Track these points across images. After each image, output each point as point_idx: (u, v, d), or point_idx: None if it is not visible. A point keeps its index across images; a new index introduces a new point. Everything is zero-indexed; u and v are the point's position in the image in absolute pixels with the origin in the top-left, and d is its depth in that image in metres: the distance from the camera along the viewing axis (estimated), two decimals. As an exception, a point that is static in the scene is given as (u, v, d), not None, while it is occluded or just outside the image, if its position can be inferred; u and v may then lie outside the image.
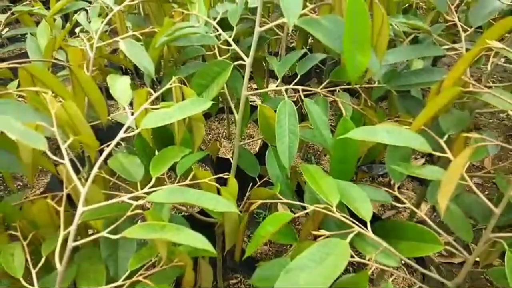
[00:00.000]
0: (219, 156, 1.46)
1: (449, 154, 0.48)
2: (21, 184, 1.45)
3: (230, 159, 0.73)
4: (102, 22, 0.80)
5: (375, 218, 0.72)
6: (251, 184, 0.74)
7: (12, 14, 1.42)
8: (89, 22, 1.27)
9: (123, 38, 0.74)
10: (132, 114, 0.52)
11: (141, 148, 0.64)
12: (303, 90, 0.64)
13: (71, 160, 0.50)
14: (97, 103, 0.65)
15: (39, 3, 1.44)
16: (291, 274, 0.40)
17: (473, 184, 0.47)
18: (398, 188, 1.21)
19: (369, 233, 0.49)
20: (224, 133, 1.63)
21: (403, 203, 0.58)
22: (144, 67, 0.71)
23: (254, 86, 2.01)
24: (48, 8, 2.65)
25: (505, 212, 0.49)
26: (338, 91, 0.76)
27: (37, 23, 1.33)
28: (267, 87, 1.31)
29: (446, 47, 0.69)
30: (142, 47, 0.72)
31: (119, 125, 0.61)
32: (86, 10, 1.20)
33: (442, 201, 0.45)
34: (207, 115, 1.65)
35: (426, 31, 0.70)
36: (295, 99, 0.69)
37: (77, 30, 1.35)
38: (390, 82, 0.72)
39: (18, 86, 0.85)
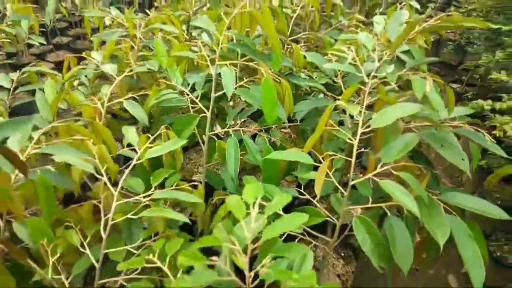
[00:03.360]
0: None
1: (323, 166, 0.85)
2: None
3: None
4: (109, 88, 1.16)
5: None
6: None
7: (23, 73, 1.75)
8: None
9: (126, 99, 1.10)
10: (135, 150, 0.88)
11: (141, 172, 0.99)
12: (245, 130, 1.01)
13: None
14: (110, 143, 1.00)
15: (43, 63, 1.79)
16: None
17: (336, 182, 0.84)
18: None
19: (280, 212, 0.85)
20: (200, 162, 1.98)
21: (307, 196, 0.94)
22: (140, 118, 1.07)
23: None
24: (44, 59, 3.00)
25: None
26: (272, 128, 1.14)
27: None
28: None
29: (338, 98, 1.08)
30: (138, 105, 1.09)
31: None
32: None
33: (317, 190, 0.82)
34: (186, 147, 2.00)
35: (320, 90, 1.10)
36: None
37: (75, 83, 1.68)
38: (303, 121, 1.11)
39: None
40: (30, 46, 3.12)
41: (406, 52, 1.21)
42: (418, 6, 2.13)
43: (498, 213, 0.82)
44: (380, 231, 0.83)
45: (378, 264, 0.79)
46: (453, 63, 3.49)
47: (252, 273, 0.55)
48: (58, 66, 3.27)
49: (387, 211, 0.83)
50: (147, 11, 2.40)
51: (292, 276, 0.51)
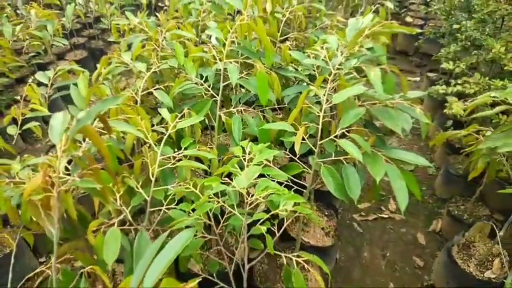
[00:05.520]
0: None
1: (300, 132, 1.21)
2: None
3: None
4: (141, 82, 1.52)
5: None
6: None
7: (56, 72, 2.09)
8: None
9: (155, 89, 1.47)
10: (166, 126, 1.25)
11: (168, 141, 1.36)
12: (245, 110, 1.38)
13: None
14: (146, 121, 1.37)
15: (74, 63, 2.14)
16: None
17: (309, 143, 1.21)
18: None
19: (270, 164, 1.22)
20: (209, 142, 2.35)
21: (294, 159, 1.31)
22: (166, 102, 1.44)
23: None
24: (63, 58, 3.30)
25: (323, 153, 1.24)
26: (265, 109, 1.51)
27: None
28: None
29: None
30: (165, 93, 1.45)
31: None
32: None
33: (296, 148, 1.18)
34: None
35: (303, 79, 1.46)
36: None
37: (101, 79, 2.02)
38: (290, 103, 1.48)
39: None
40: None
41: (371, 48, 1.57)
42: (392, 6, 2.48)
43: (422, 162, 1.18)
44: (340, 177, 1.20)
45: (339, 196, 1.17)
46: (433, 53, 3.84)
47: (246, 185, 0.92)
48: (77, 63, 3.66)
49: (345, 162, 1.20)
50: (157, 14, 2.76)
51: (275, 186, 0.88)
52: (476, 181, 2.15)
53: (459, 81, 1.81)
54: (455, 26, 2.03)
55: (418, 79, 3.85)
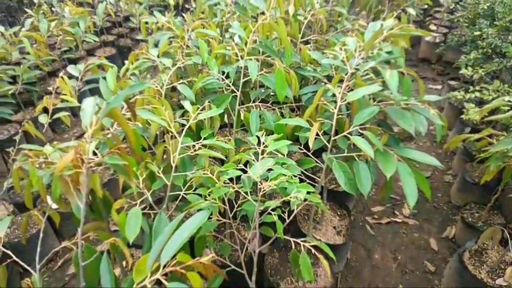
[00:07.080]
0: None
1: (314, 127, 1.26)
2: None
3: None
4: (166, 76, 1.60)
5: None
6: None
7: (87, 66, 2.21)
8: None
9: (179, 83, 1.55)
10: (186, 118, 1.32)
11: (188, 133, 1.43)
12: (263, 105, 1.44)
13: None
14: (169, 111, 1.45)
15: (103, 58, 2.25)
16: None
17: (323, 137, 1.26)
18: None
19: (284, 157, 1.27)
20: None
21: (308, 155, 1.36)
22: (189, 96, 1.51)
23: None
24: (93, 54, 3.39)
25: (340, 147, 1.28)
26: (283, 106, 1.57)
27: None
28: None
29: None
30: (187, 87, 1.53)
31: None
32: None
33: (310, 143, 1.23)
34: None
35: (320, 79, 1.51)
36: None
37: (128, 74, 2.12)
38: (307, 101, 1.53)
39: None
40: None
41: (389, 52, 1.60)
42: (414, 13, 2.50)
43: (433, 162, 1.21)
44: (352, 172, 1.24)
45: (349, 191, 1.21)
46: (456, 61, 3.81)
47: (260, 174, 0.98)
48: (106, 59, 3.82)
49: (357, 159, 1.24)
50: (183, 15, 2.86)
51: (288, 174, 0.93)
52: (492, 190, 2.14)
53: (477, 88, 1.82)
54: (476, 33, 2.03)
55: (439, 87, 3.82)
